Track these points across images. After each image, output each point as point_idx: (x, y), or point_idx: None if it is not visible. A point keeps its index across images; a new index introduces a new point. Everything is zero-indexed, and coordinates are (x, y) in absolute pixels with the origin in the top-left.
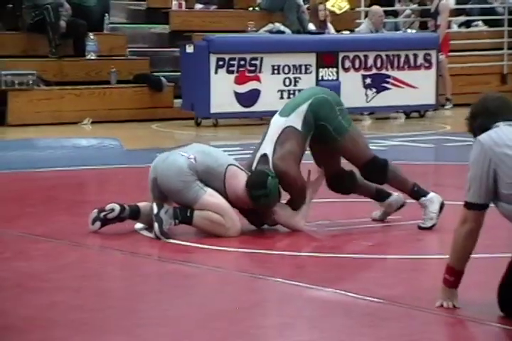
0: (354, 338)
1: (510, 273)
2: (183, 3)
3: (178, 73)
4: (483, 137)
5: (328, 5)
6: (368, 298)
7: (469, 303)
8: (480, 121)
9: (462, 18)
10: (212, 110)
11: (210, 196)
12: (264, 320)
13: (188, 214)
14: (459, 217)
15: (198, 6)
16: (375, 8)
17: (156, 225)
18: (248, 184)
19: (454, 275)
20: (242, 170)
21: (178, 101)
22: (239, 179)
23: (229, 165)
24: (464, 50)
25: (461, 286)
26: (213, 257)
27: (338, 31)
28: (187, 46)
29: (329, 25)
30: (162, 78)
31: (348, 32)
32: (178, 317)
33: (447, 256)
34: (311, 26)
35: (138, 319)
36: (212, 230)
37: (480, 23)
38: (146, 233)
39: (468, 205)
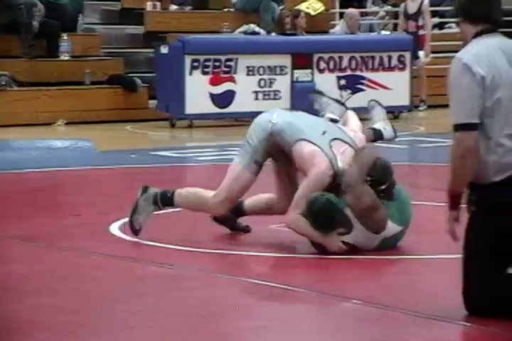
0: (333, 339)
1: (468, 278)
2: (158, 3)
3: (153, 74)
4: (465, 56)
5: (303, 6)
6: (347, 300)
7: (449, 305)
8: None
9: (436, 20)
10: (187, 111)
11: (233, 179)
12: (242, 322)
13: (169, 195)
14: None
15: (173, 7)
16: (352, 10)
17: (131, 211)
18: (312, 209)
19: (451, 198)
20: (313, 144)
21: (152, 102)
22: (311, 159)
23: (297, 140)
24: (437, 51)
25: (442, 287)
26: (199, 260)
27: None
28: (162, 47)
29: None
30: (136, 79)
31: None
32: (164, 320)
33: (430, 257)
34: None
35: (124, 321)
36: (196, 207)
37: (453, 25)
38: (124, 236)
39: (459, 127)
